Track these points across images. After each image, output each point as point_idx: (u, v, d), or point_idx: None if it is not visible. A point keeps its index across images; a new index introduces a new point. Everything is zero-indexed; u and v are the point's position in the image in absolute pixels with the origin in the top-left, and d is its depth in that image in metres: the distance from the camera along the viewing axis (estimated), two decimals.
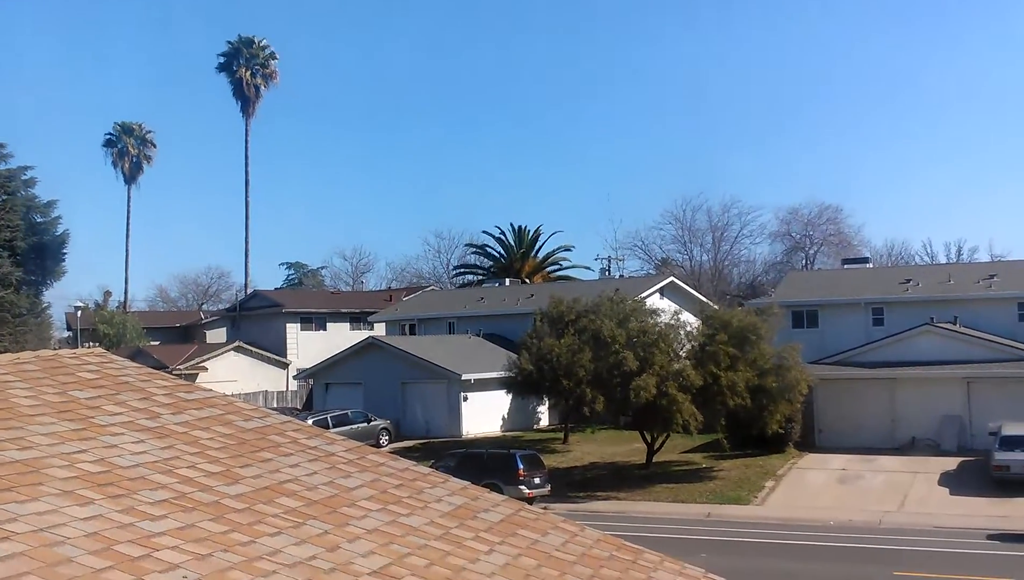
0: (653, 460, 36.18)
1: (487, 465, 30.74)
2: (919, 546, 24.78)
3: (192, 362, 58.49)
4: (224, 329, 70.52)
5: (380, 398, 45.98)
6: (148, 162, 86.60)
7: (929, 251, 79.21)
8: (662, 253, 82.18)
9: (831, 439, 37.64)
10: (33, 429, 5.49)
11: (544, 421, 47.86)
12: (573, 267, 78.48)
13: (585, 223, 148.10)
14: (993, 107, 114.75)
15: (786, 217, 79.69)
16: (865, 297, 42.38)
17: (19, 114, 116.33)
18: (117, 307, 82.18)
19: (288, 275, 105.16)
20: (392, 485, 6.37)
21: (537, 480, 31.16)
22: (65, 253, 52.31)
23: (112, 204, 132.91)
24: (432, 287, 75.44)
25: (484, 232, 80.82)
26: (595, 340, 35.23)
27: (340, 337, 59.42)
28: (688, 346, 34.83)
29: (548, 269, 76.78)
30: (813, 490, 32.26)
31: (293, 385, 59.52)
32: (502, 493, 8.73)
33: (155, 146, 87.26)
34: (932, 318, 38.66)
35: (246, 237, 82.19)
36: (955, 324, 38.75)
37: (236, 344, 62.59)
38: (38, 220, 50.88)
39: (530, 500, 26.75)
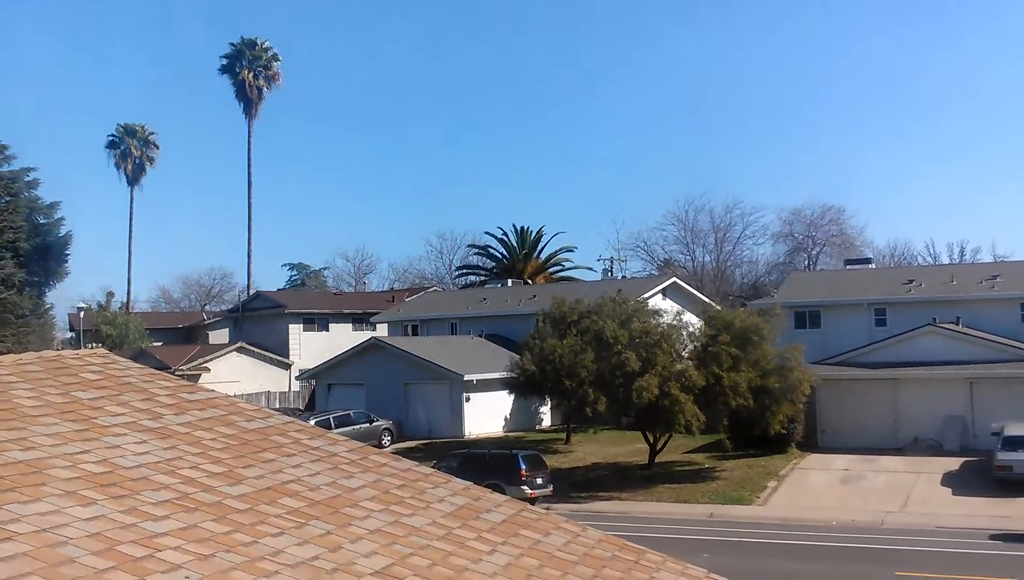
0: (655, 460, 36.17)
1: (489, 465, 30.74)
2: (921, 546, 24.77)
3: (195, 363, 58.53)
4: (227, 330, 70.57)
5: (382, 399, 45.99)
6: (151, 163, 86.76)
7: (932, 252, 79.25)
8: (664, 254, 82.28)
9: (834, 439, 37.62)
10: (36, 430, 5.50)
11: (546, 422, 47.86)
12: (575, 268, 78.57)
13: (587, 224, 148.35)
14: (993, 107, 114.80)
15: (789, 218, 79.79)
16: (868, 298, 42.35)
17: (22, 115, 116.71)
18: (120, 308, 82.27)
19: (291, 276, 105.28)
20: (394, 485, 6.38)
21: (539, 480, 31.16)
22: (68, 254, 52.47)
23: (115, 205, 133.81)
24: (434, 288, 75.45)
25: (486, 233, 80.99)
26: (597, 341, 35.23)
27: (342, 338, 59.46)
28: (690, 347, 34.82)
29: (550, 270, 76.78)
30: (815, 490, 32.24)
31: (295, 386, 59.55)
32: (504, 493, 8.74)
33: (158, 147, 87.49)
34: (935, 318, 38.63)
35: (248, 238, 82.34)
36: (958, 324, 38.73)
37: (239, 345, 62.63)
38: (41, 221, 50.98)
39: (532, 500, 26.75)
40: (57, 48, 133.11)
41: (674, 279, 55.61)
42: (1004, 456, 30.28)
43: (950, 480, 31.84)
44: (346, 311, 66.78)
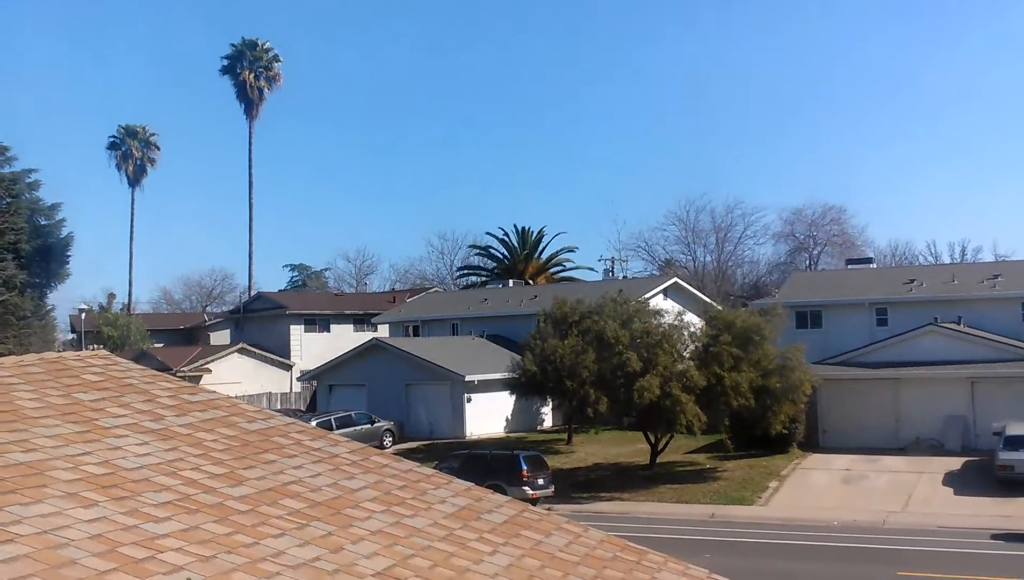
0: (657, 461, 36.17)
1: (491, 466, 30.75)
2: (923, 546, 24.76)
3: (196, 364, 58.55)
4: (228, 331, 70.59)
5: (384, 399, 46.00)
6: (152, 165, 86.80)
7: (933, 251, 79.23)
8: (666, 254, 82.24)
9: (835, 439, 37.61)
10: (37, 431, 5.50)
11: (548, 422, 47.85)
12: (577, 268, 78.58)
13: (588, 224, 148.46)
14: (993, 107, 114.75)
15: (790, 218, 79.73)
16: (869, 297, 42.34)
17: (22, 116, 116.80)
18: (121, 309, 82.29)
19: (292, 277, 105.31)
20: (396, 486, 6.38)
21: (541, 481, 31.15)
22: (69, 256, 52.51)
23: (116, 206, 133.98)
24: (435, 288, 75.47)
25: (487, 233, 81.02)
26: (599, 341, 35.22)
27: (344, 339, 59.47)
28: (692, 347, 34.81)
29: (552, 270, 76.78)
30: (817, 490, 32.23)
31: (297, 387, 59.57)
32: (506, 494, 8.73)
33: (159, 149, 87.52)
34: (936, 318, 38.61)
35: (250, 239, 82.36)
36: (959, 324, 38.71)
37: (240, 346, 62.64)
38: (42, 223, 51.02)
39: (534, 501, 26.76)
40: (57, 48, 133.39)
41: (675, 279, 55.60)
42: (1006, 456, 30.27)
43: (952, 480, 31.83)
44: (347, 312, 66.79)
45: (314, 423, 34.35)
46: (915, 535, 26.03)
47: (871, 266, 53.11)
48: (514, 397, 43.07)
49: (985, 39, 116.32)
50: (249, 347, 62.45)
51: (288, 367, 62.49)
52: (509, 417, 46.09)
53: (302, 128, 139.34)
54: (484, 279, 76.10)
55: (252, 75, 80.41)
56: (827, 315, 42.73)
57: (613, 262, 75.68)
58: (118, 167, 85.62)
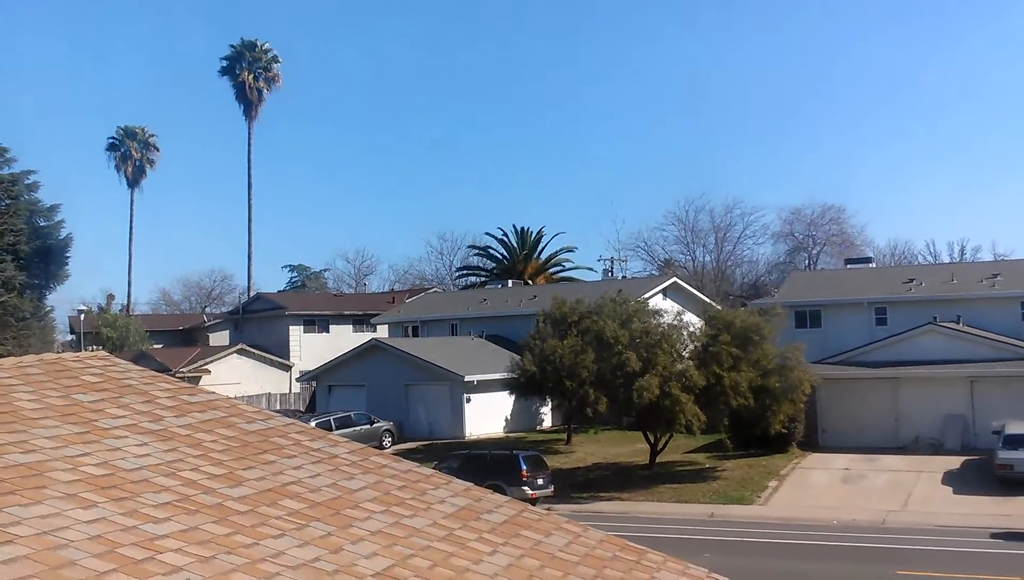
0: (656, 461, 36.17)
1: (490, 466, 30.74)
2: (923, 545, 24.76)
3: (195, 365, 58.54)
4: (227, 332, 70.58)
5: (383, 400, 46.00)
6: (151, 166, 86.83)
7: (932, 251, 79.26)
8: (665, 254, 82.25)
9: (834, 439, 37.62)
10: (37, 432, 5.50)
11: (547, 422, 47.85)
12: (576, 268, 78.59)
13: (588, 224, 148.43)
14: (993, 107, 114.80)
15: (789, 217, 79.75)
16: (868, 297, 42.35)
17: (21, 118, 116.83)
18: (120, 310, 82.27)
19: (291, 277, 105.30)
20: (395, 487, 6.38)
21: (540, 481, 31.15)
22: (68, 257, 52.49)
23: (115, 207, 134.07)
24: (435, 289, 75.46)
25: (487, 233, 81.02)
26: (598, 341, 35.23)
27: (343, 339, 59.45)
28: (691, 347, 34.82)
29: (551, 270, 76.79)
30: (816, 490, 32.24)
31: (296, 387, 59.57)
32: (505, 494, 8.73)
33: (158, 150, 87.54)
34: (935, 317, 38.62)
35: (249, 240, 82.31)
36: (958, 323, 38.73)
37: (239, 347, 62.64)
38: (41, 224, 51.01)
39: (533, 501, 26.76)
40: (57, 48, 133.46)
41: (674, 279, 55.60)
42: (1005, 455, 30.28)
43: (951, 479, 31.84)
44: (346, 312, 66.79)
45: (313, 424, 34.34)
46: (915, 534, 26.04)
47: (870, 266, 53.16)
48: (513, 397, 43.07)
49: (985, 39, 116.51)
50: (248, 348, 62.45)
51: (287, 368, 62.47)
52: (508, 417, 46.09)
53: (301, 128, 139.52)
54: (483, 279, 76.11)
55: (251, 76, 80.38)
56: (826, 315, 42.74)
57: (612, 262, 75.77)
58: (117, 168, 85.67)
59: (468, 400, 44.57)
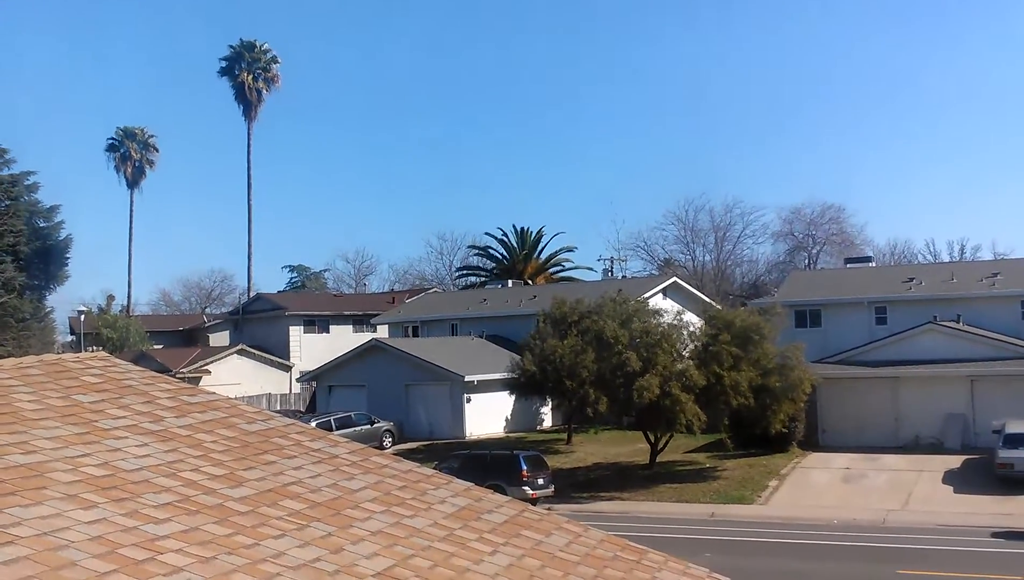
0: (657, 460, 36.16)
1: (490, 466, 30.73)
2: (923, 544, 24.76)
3: (195, 365, 58.53)
4: (227, 332, 70.58)
5: (383, 400, 45.99)
6: (151, 166, 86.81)
7: (932, 250, 79.28)
8: (665, 253, 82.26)
9: (835, 438, 37.62)
10: (37, 433, 5.50)
11: (547, 422, 47.85)
12: (576, 268, 78.61)
13: (587, 224, 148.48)
14: (993, 107, 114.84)
15: (789, 217, 79.77)
16: (868, 296, 42.36)
17: (21, 119, 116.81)
18: (120, 311, 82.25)
19: (291, 278, 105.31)
20: (396, 487, 6.38)
21: (541, 481, 31.14)
22: (68, 257, 52.55)
23: (115, 208, 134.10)
24: (435, 289, 75.45)
25: (486, 233, 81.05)
26: (598, 341, 35.23)
27: (343, 339, 59.44)
28: (691, 346, 34.82)
29: (551, 270, 76.79)
30: (817, 489, 32.23)
31: (296, 388, 59.56)
32: (506, 494, 8.73)
33: (157, 150, 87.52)
34: (935, 317, 38.63)
35: (249, 240, 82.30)
36: (958, 322, 38.73)
37: (239, 347, 62.64)
38: (41, 225, 51.05)
39: (534, 501, 26.76)
40: (57, 49, 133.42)
41: (674, 279, 55.59)
42: (1005, 454, 30.28)
43: (951, 478, 31.84)
44: (347, 313, 66.79)
45: (314, 424, 34.34)
46: (915, 533, 26.04)
47: (870, 265, 53.15)
48: (514, 397, 43.07)
49: (985, 39, 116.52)
50: (248, 348, 62.46)
51: (287, 368, 62.47)
52: (509, 417, 46.09)
53: (301, 129, 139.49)
54: (483, 279, 76.11)
55: (251, 76, 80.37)
56: (826, 314, 42.75)
57: (612, 262, 75.79)
58: (117, 169, 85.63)
59: (468, 400, 44.57)
